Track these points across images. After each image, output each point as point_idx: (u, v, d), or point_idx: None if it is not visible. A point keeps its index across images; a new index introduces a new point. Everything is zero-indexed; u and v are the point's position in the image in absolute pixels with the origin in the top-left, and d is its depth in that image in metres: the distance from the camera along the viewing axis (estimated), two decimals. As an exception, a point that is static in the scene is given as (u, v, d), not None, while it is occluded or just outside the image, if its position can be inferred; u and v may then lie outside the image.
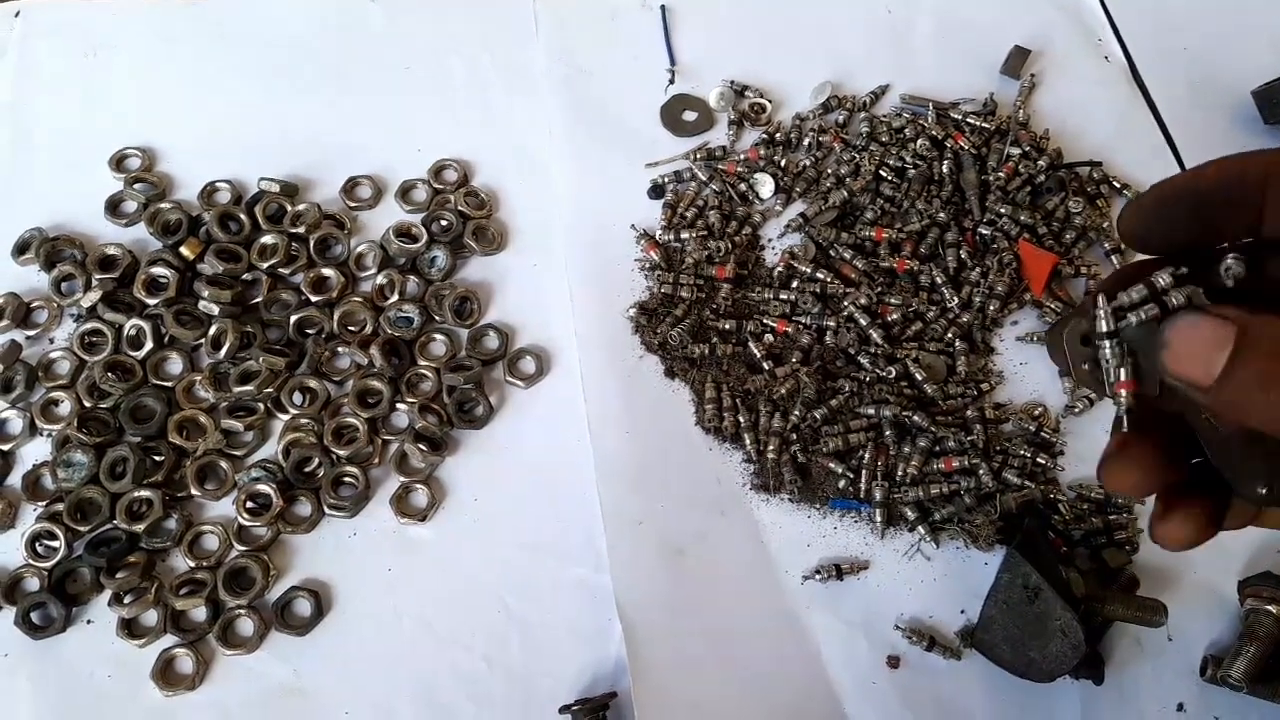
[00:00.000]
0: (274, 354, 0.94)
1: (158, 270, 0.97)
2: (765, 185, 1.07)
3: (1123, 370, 0.42)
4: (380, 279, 1.01)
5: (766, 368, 0.96)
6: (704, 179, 1.07)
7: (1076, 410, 0.95)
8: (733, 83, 1.15)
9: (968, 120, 1.10)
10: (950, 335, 0.98)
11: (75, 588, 0.86)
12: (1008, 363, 0.99)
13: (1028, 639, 0.80)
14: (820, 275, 1.00)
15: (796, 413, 0.92)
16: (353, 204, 1.06)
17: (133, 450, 0.88)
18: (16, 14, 1.18)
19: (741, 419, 0.94)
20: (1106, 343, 0.42)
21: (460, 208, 1.05)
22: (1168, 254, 0.45)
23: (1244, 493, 0.43)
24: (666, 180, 1.08)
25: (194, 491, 0.89)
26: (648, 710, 0.81)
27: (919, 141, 1.07)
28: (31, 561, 0.86)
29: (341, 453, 0.92)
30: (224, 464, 0.91)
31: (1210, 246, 0.43)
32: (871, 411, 0.92)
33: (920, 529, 0.89)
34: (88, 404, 0.93)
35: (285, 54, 1.17)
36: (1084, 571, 0.84)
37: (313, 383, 0.94)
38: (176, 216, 1.02)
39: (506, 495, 0.92)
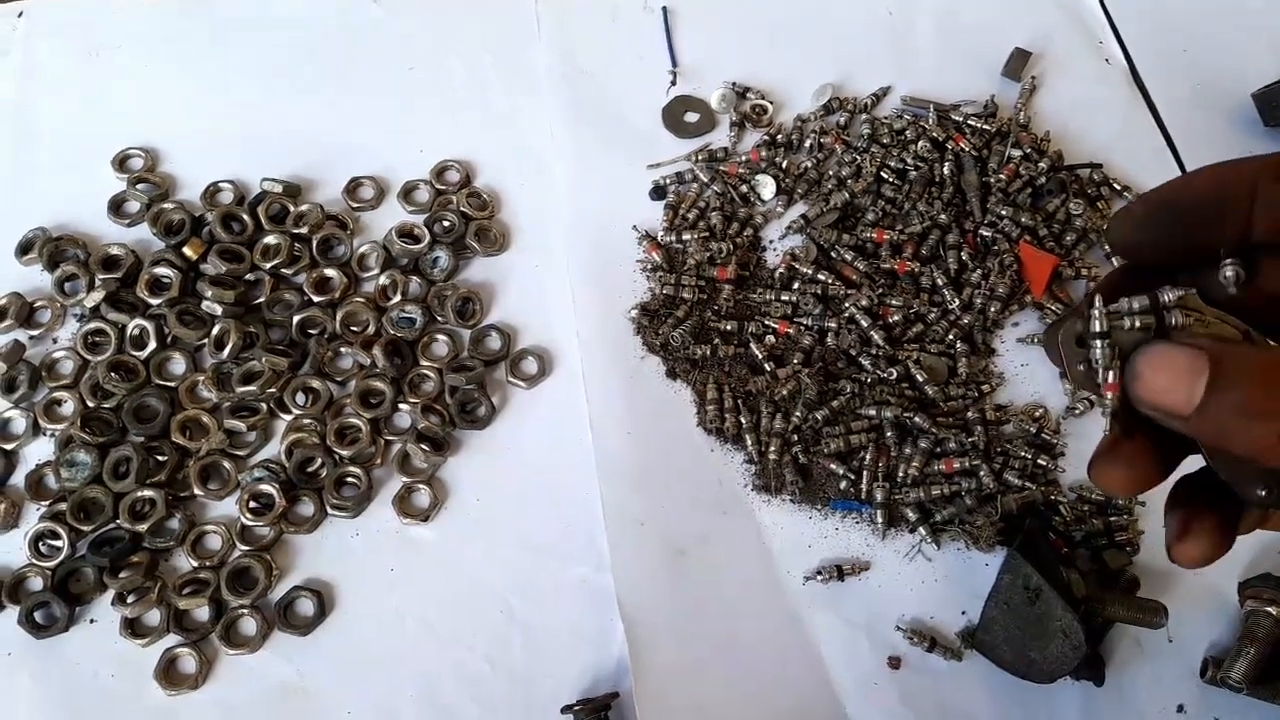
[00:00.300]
0: (277, 354, 0.94)
1: (161, 270, 0.97)
2: (767, 187, 1.08)
3: (1111, 373, 0.42)
4: (383, 279, 1.01)
5: (768, 369, 0.96)
6: (706, 180, 1.08)
7: (1077, 412, 0.95)
8: (734, 84, 1.15)
9: (969, 122, 1.10)
10: (951, 337, 0.98)
11: (78, 587, 0.86)
12: (1009, 364, 0.99)
13: (1028, 640, 0.80)
14: (822, 277, 1.00)
15: (798, 414, 0.93)
16: (355, 204, 1.07)
17: (136, 450, 0.89)
18: (20, 14, 1.18)
19: (743, 420, 0.94)
20: (1098, 343, 0.43)
21: (462, 208, 1.05)
22: (1158, 263, 0.45)
23: (1243, 495, 0.43)
24: (668, 181, 1.08)
25: (197, 491, 0.89)
26: (649, 710, 0.81)
27: (920, 143, 1.08)
28: (35, 561, 0.86)
29: (344, 453, 0.92)
30: (227, 464, 0.91)
31: (1201, 254, 0.43)
32: (873, 413, 0.92)
33: (921, 530, 0.89)
34: (91, 404, 0.93)
35: (288, 54, 1.17)
36: (1084, 573, 0.84)
37: (315, 383, 0.95)
38: (179, 217, 1.02)
39: (509, 496, 0.92)
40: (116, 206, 1.05)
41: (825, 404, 0.93)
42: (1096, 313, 0.42)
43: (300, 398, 0.95)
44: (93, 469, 0.88)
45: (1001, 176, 1.05)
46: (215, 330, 0.96)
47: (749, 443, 0.93)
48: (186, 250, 0.99)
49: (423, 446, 0.91)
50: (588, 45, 1.19)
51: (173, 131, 1.11)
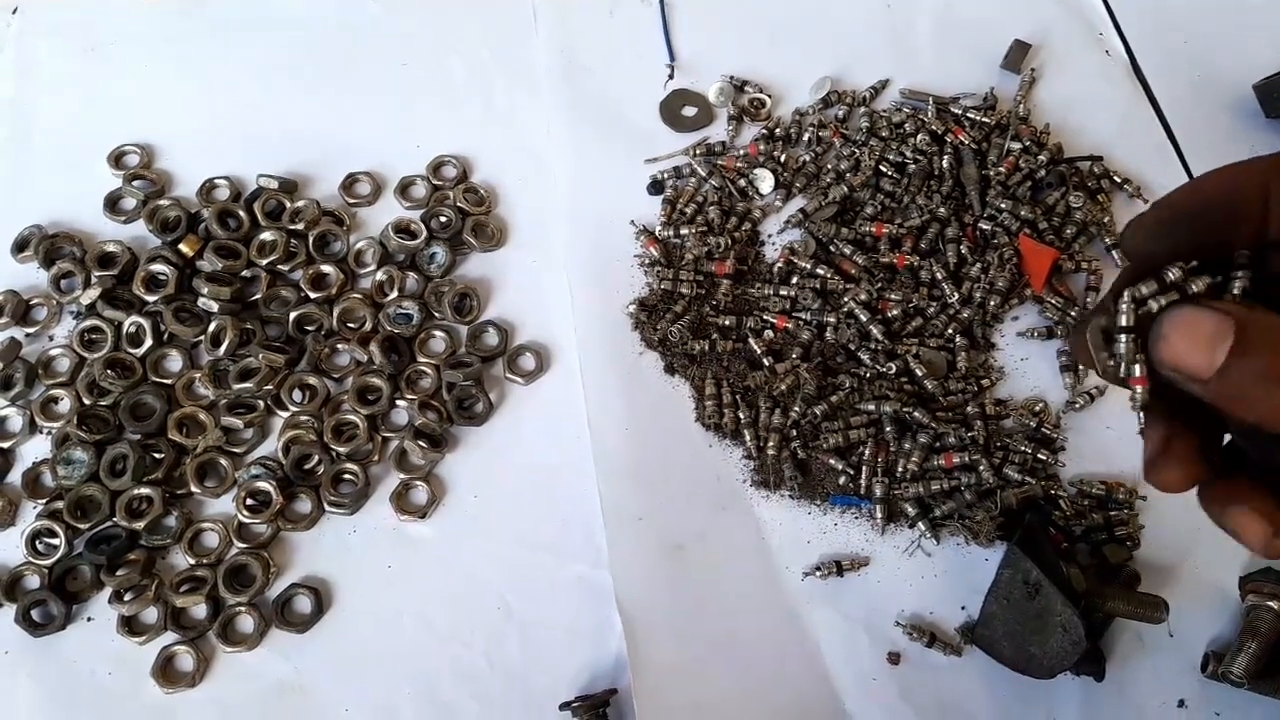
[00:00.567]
0: (273, 351, 0.94)
1: (157, 267, 0.97)
2: (765, 181, 1.07)
3: (1137, 366, 0.42)
4: (379, 275, 1.00)
5: (766, 364, 0.96)
6: (704, 174, 1.07)
7: (1077, 406, 0.95)
8: (732, 78, 1.15)
9: (968, 115, 1.10)
10: (950, 331, 0.98)
11: (75, 585, 0.86)
12: (1008, 358, 0.99)
13: (1028, 635, 0.80)
14: (820, 271, 0.99)
15: (796, 409, 0.92)
16: (352, 200, 1.06)
17: (132, 448, 0.88)
18: (15, 10, 1.18)
19: (741, 415, 0.93)
20: (1123, 338, 0.42)
21: (459, 204, 1.05)
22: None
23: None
24: (666, 176, 1.08)
25: (194, 489, 0.89)
26: (648, 707, 0.81)
27: (919, 136, 1.07)
28: (31, 559, 0.86)
29: (341, 450, 0.92)
30: (224, 461, 0.91)
31: (1216, 257, 0.43)
32: (872, 407, 0.92)
33: (921, 525, 0.89)
34: (87, 401, 0.93)
35: (284, 50, 1.17)
36: (1085, 567, 0.83)
37: (312, 380, 0.94)
38: (175, 213, 1.02)
39: (506, 492, 0.92)
40: (112, 203, 1.05)
41: (824, 399, 0.93)
42: (1124, 306, 0.42)
43: (297, 394, 0.95)
44: (89, 467, 0.88)
45: (1001, 169, 1.05)
46: (212, 327, 0.95)
47: (747, 438, 0.93)
48: (183, 247, 0.99)
49: (420, 443, 0.91)
50: (585, 39, 1.18)
51: (169, 128, 1.10)
